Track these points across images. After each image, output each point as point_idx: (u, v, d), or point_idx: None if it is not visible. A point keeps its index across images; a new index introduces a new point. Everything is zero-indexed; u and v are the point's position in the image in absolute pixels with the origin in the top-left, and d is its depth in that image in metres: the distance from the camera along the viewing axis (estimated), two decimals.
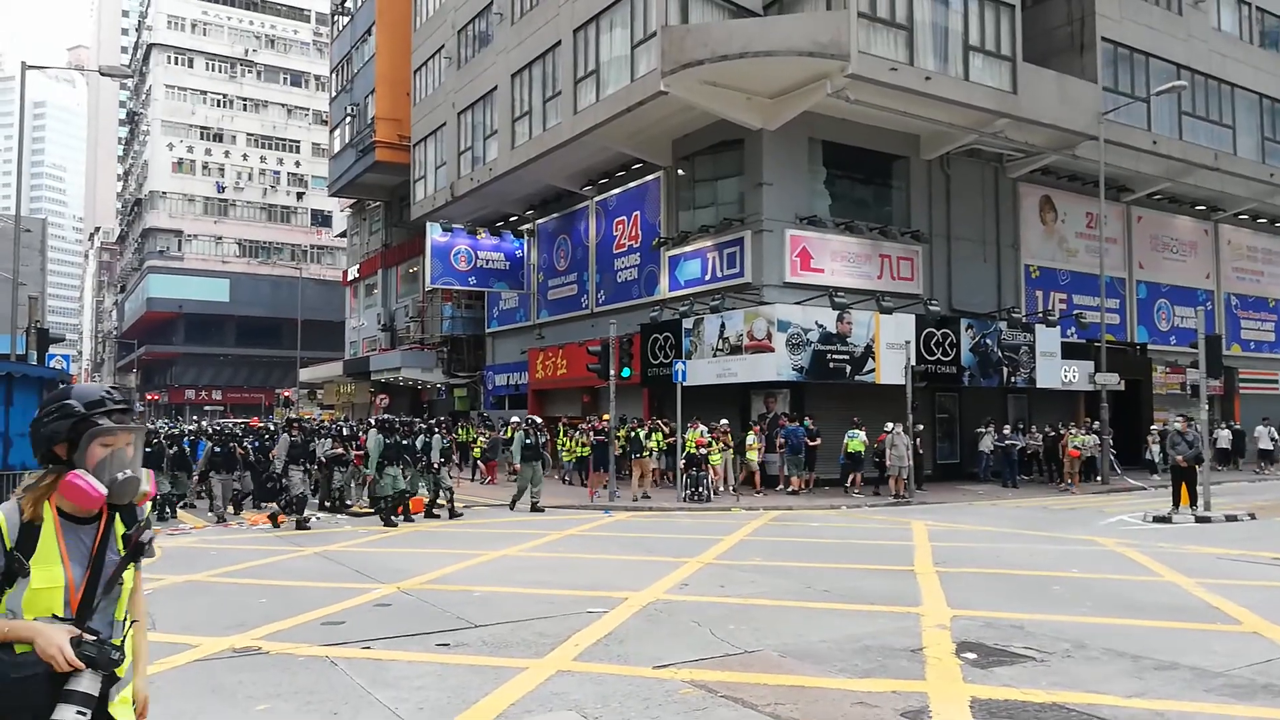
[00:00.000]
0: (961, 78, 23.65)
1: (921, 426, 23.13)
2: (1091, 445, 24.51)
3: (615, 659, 6.81)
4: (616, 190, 28.89)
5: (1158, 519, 16.41)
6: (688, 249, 25.69)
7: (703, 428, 20.65)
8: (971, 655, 6.87)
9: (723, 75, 21.59)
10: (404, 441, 17.20)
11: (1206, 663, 6.64)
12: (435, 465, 17.54)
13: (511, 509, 18.53)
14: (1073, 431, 24.35)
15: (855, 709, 5.64)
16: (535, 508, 18.28)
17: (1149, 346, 31.43)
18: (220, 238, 71.95)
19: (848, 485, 21.73)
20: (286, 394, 57.10)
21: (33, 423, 2.46)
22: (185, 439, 21.31)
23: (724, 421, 21.44)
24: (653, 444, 21.38)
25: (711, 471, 20.45)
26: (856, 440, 21.57)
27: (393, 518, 16.36)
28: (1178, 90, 25.73)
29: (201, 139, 72.66)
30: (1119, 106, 26.61)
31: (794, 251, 23.77)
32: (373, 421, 18.41)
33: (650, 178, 27.21)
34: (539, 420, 19.96)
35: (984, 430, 24.34)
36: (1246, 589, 9.60)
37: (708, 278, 24.87)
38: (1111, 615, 8.33)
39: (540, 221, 33.23)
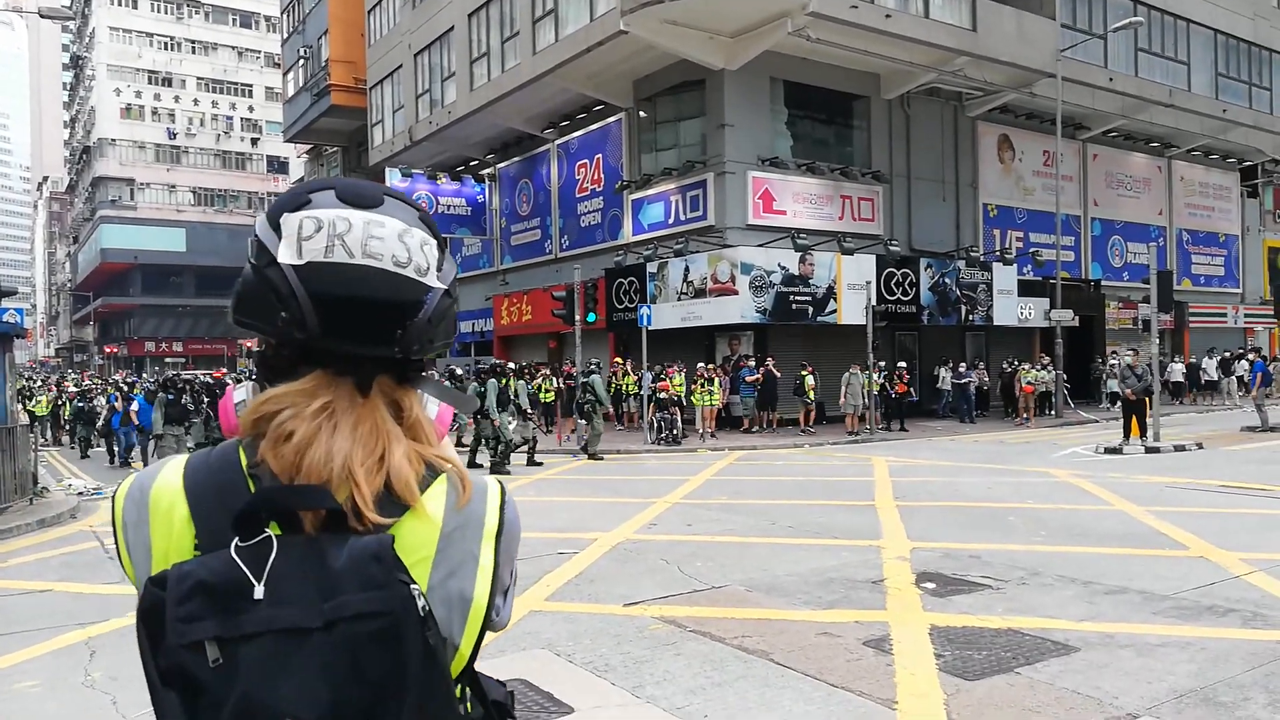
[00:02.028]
0: (922, 15, 23.61)
1: (903, 364, 23.63)
2: (1046, 380, 25.05)
3: (586, 598, 6.98)
4: (578, 133, 28.62)
5: (1109, 450, 16.87)
6: (650, 192, 25.60)
7: (670, 371, 20.91)
8: (930, 585, 7.11)
9: (683, 14, 21.36)
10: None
11: (1154, 586, 6.93)
12: (524, 412, 17.24)
13: (591, 457, 18.00)
14: (1025, 367, 24.83)
15: (820, 639, 5.85)
16: (594, 456, 18.01)
17: (1103, 282, 31.96)
18: (174, 186, 70.29)
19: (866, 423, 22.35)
20: (249, 344, 56.53)
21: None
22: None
23: (702, 365, 21.65)
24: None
25: (704, 413, 20.76)
26: (871, 381, 22.09)
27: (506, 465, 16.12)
28: (1134, 26, 25.86)
29: (150, 83, 70.55)
30: (1076, 44, 26.69)
31: (756, 193, 23.79)
32: (486, 367, 18.34)
33: (612, 120, 26.98)
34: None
35: (942, 368, 24.76)
36: (1193, 515, 9.96)
37: (671, 221, 24.85)
38: (1064, 543, 8.64)
39: (501, 166, 32.88)
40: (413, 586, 1.01)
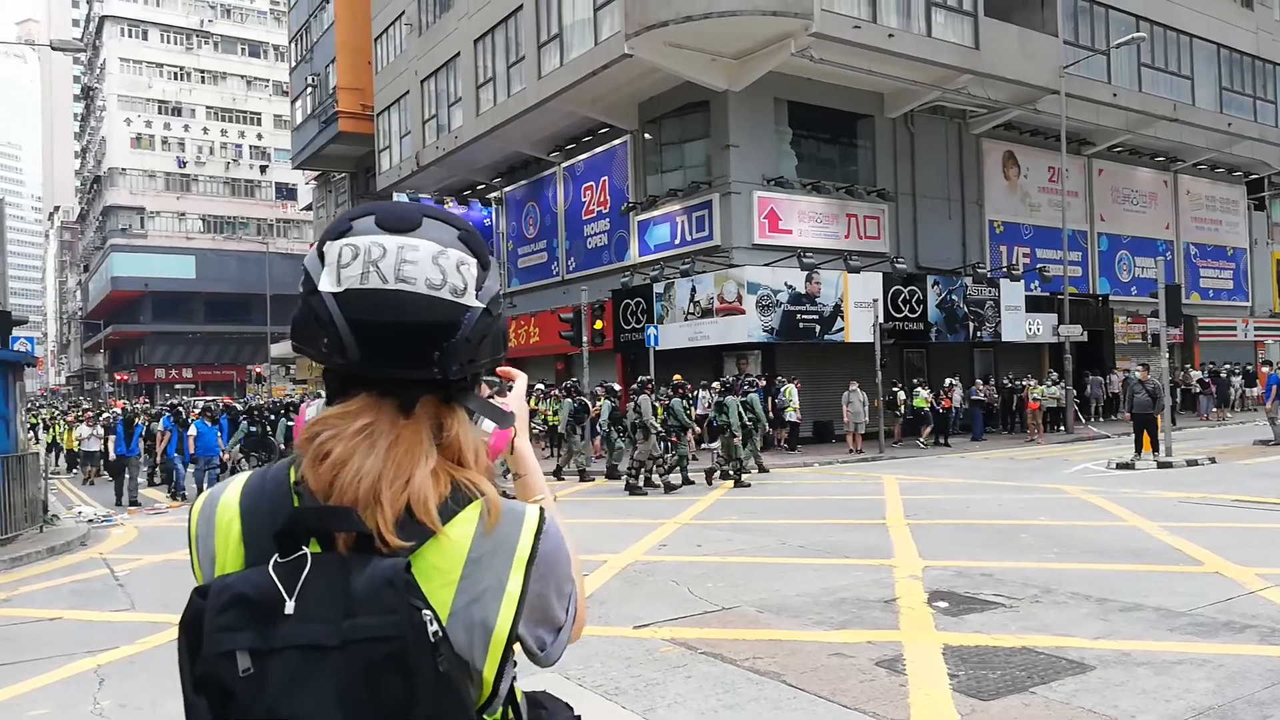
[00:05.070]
0: (924, 34, 23.70)
1: (951, 380, 24.28)
2: (1055, 396, 24.97)
3: (596, 620, 6.94)
4: (584, 156, 28.74)
5: (1121, 466, 16.77)
6: (656, 213, 25.66)
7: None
8: (943, 604, 7.06)
9: (687, 36, 21.47)
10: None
11: (1170, 603, 6.86)
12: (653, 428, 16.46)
13: (740, 482, 16.08)
14: (1033, 383, 24.76)
15: (832, 660, 5.80)
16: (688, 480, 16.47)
17: (1111, 297, 31.86)
18: (184, 214, 70.77)
19: (920, 439, 23.10)
20: (259, 370, 56.73)
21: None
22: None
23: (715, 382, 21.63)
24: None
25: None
26: (920, 398, 22.72)
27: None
28: (1137, 42, 25.92)
29: (160, 113, 71.23)
30: (1079, 60, 26.75)
31: (762, 213, 23.83)
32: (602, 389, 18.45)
33: (617, 142, 27.09)
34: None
35: (953, 384, 24.72)
36: (1208, 531, 9.88)
37: (677, 241, 24.89)
38: (1078, 560, 8.56)
39: (508, 189, 33.02)
40: (425, 613, 1.02)
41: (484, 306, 1.15)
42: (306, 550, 1.06)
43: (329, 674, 1.00)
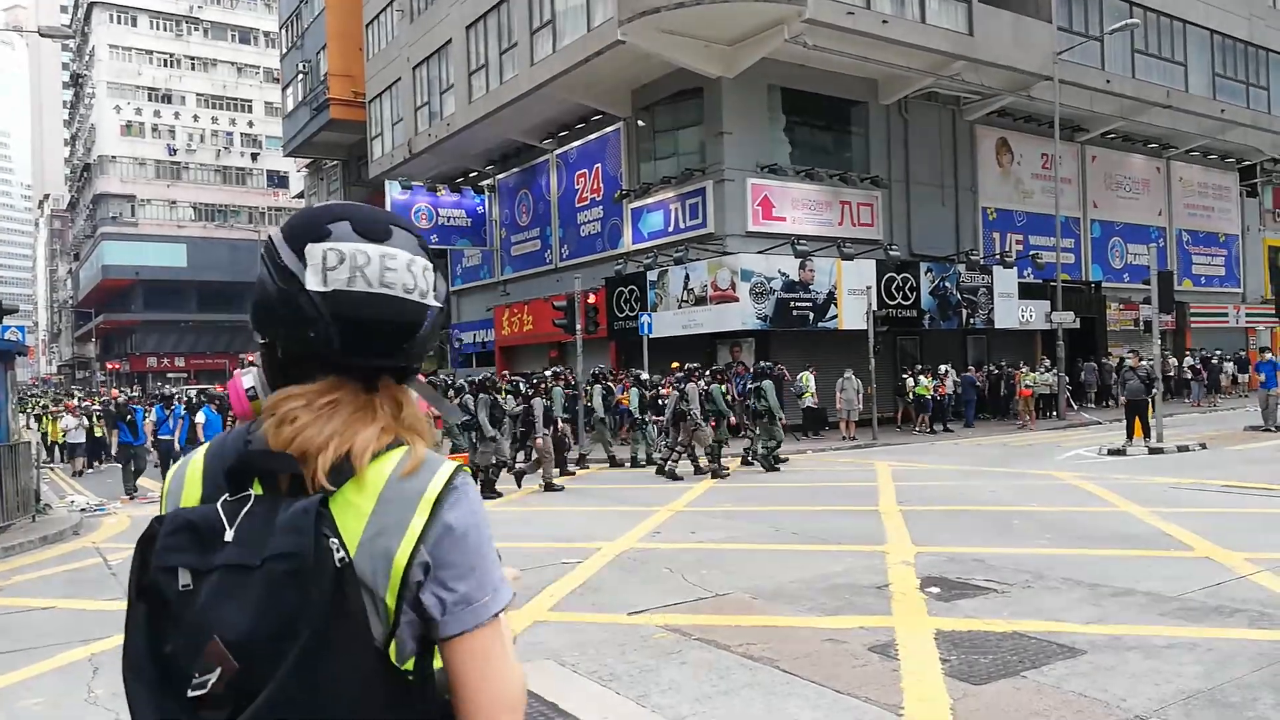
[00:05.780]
0: (918, 20, 23.66)
1: (945, 367, 24.45)
2: (1048, 383, 25.05)
3: (590, 607, 6.96)
4: (577, 143, 28.67)
5: (1113, 452, 16.83)
6: (650, 201, 25.63)
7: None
8: (935, 589, 7.09)
9: (680, 23, 21.41)
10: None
11: (1161, 588, 6.89)
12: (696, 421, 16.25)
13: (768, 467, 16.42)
14: (1024, 370, 24.82)
15: (825, 645, 5.82)
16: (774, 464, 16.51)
17: (1103, 284, 31.92)
18: (174, 202, 70.44)
19: (916, 426, 23.44)
20: (250, 358, 56.47)
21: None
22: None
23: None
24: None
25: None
26: (921, 385, 22.95)
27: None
28: (1130, 28, 25.91)
29: (150, 100, 70.76)
30: (1073, 46, 26.73)
31: (755, 200, 23.82)
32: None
33: (610, 129, 27.02)
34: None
35: (946, 371, 24.79)
36: (1198, 516, 9.93)
37: (671, 229, 24.87)
38: (1069, 546, 8.60)
39: (501, 177, 32.93)
40: (331, 540, 1.15)
41: (440, 306, 1.34)
42: (251, 491, 1.21)
43: (248, 589, 1.13)
